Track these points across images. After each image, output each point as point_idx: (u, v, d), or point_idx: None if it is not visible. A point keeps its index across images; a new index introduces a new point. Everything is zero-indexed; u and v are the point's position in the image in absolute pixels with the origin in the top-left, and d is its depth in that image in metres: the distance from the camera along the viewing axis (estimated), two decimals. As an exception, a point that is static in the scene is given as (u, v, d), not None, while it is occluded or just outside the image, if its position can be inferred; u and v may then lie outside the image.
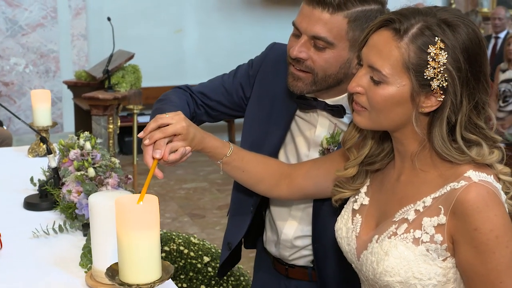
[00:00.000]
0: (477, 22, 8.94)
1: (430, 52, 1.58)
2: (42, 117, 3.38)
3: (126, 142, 8.89)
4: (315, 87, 2.03)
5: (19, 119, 3.06)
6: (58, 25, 8.11)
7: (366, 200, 1.85)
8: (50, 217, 2.46)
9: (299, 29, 1.99)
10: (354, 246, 1.83)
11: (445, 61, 1.57)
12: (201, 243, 2.91)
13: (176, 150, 1.89)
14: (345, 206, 1.92)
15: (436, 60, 1.58)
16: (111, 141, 5.33)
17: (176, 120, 1.87)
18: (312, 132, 2.19)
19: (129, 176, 2.53)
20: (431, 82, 1.59)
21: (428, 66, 1.58)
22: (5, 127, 6.96)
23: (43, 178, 2.74)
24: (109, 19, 5.80)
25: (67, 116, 8.11)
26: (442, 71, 1.58)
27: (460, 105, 1.60)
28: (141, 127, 8.36)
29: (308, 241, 2.25)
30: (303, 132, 2.22)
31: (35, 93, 3.39)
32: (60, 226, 2.30)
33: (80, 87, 5.75)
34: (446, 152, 1.63)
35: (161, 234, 3.08)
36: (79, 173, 2.42)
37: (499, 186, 1.65)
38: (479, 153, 1.63)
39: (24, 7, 7.87)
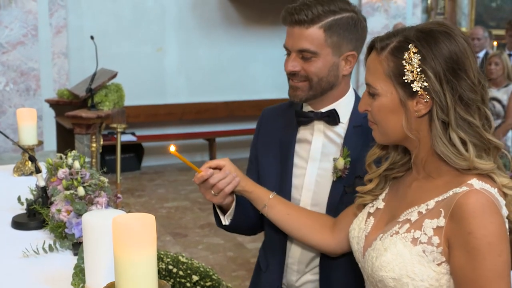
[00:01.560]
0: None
1: (405, 58, 1.73)
2: (28, 135, 3.37)
3: (107, 160, 8.85)
4: (312, 91, 2.28)
5: (8, 137, 3.04)
6: (39, 43, 8.08)
7: (381, 205, 1.96)
8: (39, 237, 2.44)
9: (288, 48, 2.28)
10: (362, 244, 1.92)
11: (418, 62, 1.71)
12: (190, 262, 2.91)
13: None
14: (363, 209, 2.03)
15: (411, 63, 1.72)
16: (94, 160, 5.31)
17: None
18: (307, 148, 2.34)
19: (119, 195, 2.52)
20: (412, 85, 1.73)
21: (406, 71, 1.73)
22: None
23: (31, 197, 2.73)
24: (92, 37, 5.80)
25: (47, 135, 8.05)
26: (419, 72, 1.72)
27: (445, 101, 1.71)
28: (123, 145, 8.32)
29: (314, 264, 2.33)
30: (300, 151, 2.37)
31: (20, 111, 3.38)
32: (50, 245, 2.29)
33: (62, 105, 5.72)
34: (444, 152, 1.73)
35: (149, 253, 3.06)
36: (68, 192, 2.42)
37: (501, 200, 1.72)
38: (477, 154, 1.72)
39: (4, 25, 7.83)
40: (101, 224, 1.80)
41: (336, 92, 2.31)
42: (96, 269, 1.85)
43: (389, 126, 1.82)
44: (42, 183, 2.61)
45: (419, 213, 1.77)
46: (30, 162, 3.39)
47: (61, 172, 2.57)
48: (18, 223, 2.57)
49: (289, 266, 2.38)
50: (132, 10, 9.11)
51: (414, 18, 10.17)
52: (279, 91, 9.02)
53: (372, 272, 1.82)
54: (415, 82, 1.73)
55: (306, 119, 2.34)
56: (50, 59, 8.29)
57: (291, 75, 2.28)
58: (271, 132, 2.46)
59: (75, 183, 2.46)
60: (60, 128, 5.86)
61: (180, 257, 2.89)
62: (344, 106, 2.32)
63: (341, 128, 2.31)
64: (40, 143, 3.46)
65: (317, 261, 2.31)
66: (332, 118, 2.30)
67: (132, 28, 9.11)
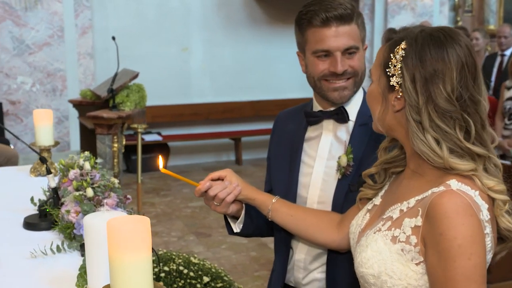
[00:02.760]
0: (485, 41, 8.93)
1: (394, 52, 1.77)
2: (45, 136, 3.39)
3: (132, 160, 8.91)
4: (356, 87, 2.32)
5: (18, 139, 3.07)
6: (65, 44, 8.15)
7: (378, 201, 1.97)
8: (49, 237, 2.46)
9: (330, 49, 2.24)
10: (355, 240, 1.94)
11: (400, 58, 1.75)
12: (201, 263, 2.91)
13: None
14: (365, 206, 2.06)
15: (396, 58, 1.76)
16: (115, 160, 5.34)
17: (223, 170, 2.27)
18: (315, 147, 2.37)
19: (128, 196, 2.53)
20: (390, 78, 1.77)
21: (390, 64, 1.78)
22: (12, 146, 6.98)
23: (44, 198, 2.75)
24: (113, 38, 5.83)
25: (73, 135, 8.14)
26: (398, 68, 1.75)
27: (417, 102, 1.72)
28: (146, 146, 8.46)
29: (321, 261, 2.34)
30: (308, 149, 2.39)
31: (37, 112, 3.40)
32: (58, 246, 2.30)
33: (85, 106, 5.76)
34: (422, 149, 1.74)
35: (160, 254, 3.08)
36: (77, 193, 2.43)
37: (482, 203, 1.70)
38: (457, 154, 1.72)
39: (30, 26, 7.92)
40: (102, 226, 1.81)
41: None
42: (97, 270, 1.85)
43: (373, 113, 1.87)
44: (53, 184, 2.63)
45: (401, 211, 1.77)
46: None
47: (72, 173, 2.58)
48: (29, 224, 2.59)
49: (296, 263, 2.39)
50: (157, 10, 9.16)
51: (441, 16, 10.07)
52: (304, 91, 8.98)
53: (355, 268, 1.85)
54: (394, 77, 1.77)
55: (316, 119, 2.36)
56: (76, 59, 8.35)
57: (339, 76, 2.27)
58: (283, 134, 2.49)
59: (84, 184, 2.47)
60: (83, 129, 5.90)
61: (192, 258, 2.90)
62: (353, 104, 2.33)
63: (348, 127, 2.33)
64: (57, 143, 3.48)
65: (323, 259, 2.32)
66: (341, 116, 2.32)
67: (157, 28, 9.15)
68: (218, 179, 2.24)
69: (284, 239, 2.38)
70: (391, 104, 1.79)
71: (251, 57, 9.68)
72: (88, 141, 5.66)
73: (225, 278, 2.89)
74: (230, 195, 2.21)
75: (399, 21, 9.46)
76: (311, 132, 2.40)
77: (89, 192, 2.41)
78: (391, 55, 1.78)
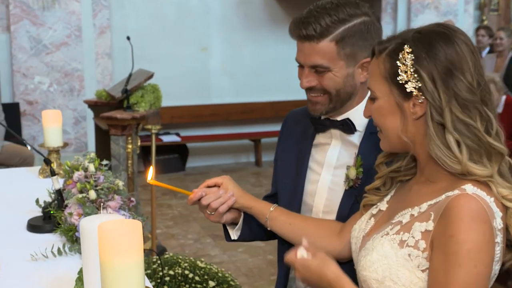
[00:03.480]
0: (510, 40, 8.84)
1: (400, 58, 1.73)
2: (53, 137, 3.42)
3: (151, 161, 8.92)
4: (332, 104, 2.23)
5: (24, 140, 3.08)
6: (83, 43, 8.19)
7: (384, 207, 1.95)
8: (52, 240, 2.47)
9: (300, 62, 2.21)
10: (358, 245, 1.93)
11: (412, 62, 1.71)
12: (208, 267, 2.91)
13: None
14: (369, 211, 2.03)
15: (405, 63, 1.71)
16: (130, 161, 5.35)
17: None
18: (324, 153, 2.32)
19: (132, 198, 2.53)
20: (406, 86, 1.72)
21: (400, 71, 1.73)
22: (28, 147, 7.04)
23: (49, 199, 2.77)
24: (128, 38, 5.85)
25: (91, 135, 8.17)
26: (412, 73, 1.71)
27: (440, 102, 1.69)
28: (164, 146, 8.46)
29: None
30: (315, 155, 2.35)
31: (46, 113, 3.43)
32: (59, 249, 2.32)
33: (100, 106, 5.77)
34: (438, 155, 1.71)
35: (166, 258, 3.09)
36: (80, 196, 2.44)
37: (496, 210, 1.67)
38: (474, 160, 1.70)
39: (48, 26, 7.97)
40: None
41: (354, 100, 2.27)
42: (94, 274, 1.86)
43: (388, 129, 1.81)
44: (57, 186, 2.65)
45: (411, 215, 1.75)
46: (55, 164, 3.44)
47: (77, 175, 2.59)
48: (33, 226, 2.62)
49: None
50: (176, 9, 9.18)
51: (466, 15, 10.01)
52: (325, 91, 8.98)
53: (358, 272, 1.82)
54: (409, 83, 1.72)
55: (322, 127, 2.32)
56: (93, 59, 8.39)
57: (308, 90, 2.24)
58: (291, 135, 2.46)
59: (88, 186, 2.48)
60: (98, 129, 5.93)
61: (199, 262, 2.90)
62: (361, 113, 2.27)
63: (358, 136, 2.27)
64: (66, 145, 3.50)
65: None
66: (347, 127, 2.26)
67: (176, 28, 9.17)
68: (215, 186, 2.22)
69: (285, 243, 2.34)
70: (409, 112, 1.75)
71: (271, 57, 9.66)
72: (103, 142, 5.68)
73: (232, 283, 2.89)
74: (224, 205, 2.19)
75: (423, 20, 9.40)
76: (320, 138, 2.35)
77: (92, 194, 2.42)
78: (397, 63, 1.74)
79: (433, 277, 1.65)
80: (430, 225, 1.68)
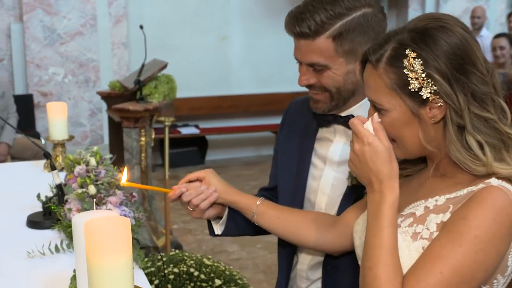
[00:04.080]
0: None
1: (406, 65, 1.66)
2: (59, 130, 3.42)
3: (169, 154, 8.90)
4: (334, 102, 2.18)
5: (23, 134, 3.08)
6: (98, 33, 8.21)
7: None
8: (51, 236, 2.48)
9: (297, 60, 2.17)
10: (363, 239, 1.84)
11: (421, 67, 1.64)
12: (215, 264, 2.89)
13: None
14: None
15: (413, 69, 1.65)
16: (143, 155, 5.35)
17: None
18: (327, 148, 2.28)
19: (134, 193, 2.52)
20: (420, 93, 1.65)
21: (410, 79, 1.65)
22: (42, 140, 7.07)
23: (51, 195, 2.76)
24: (141, 27, 5.83)
25: (107, 128, 8.21)
26: (424, 78, 1.64)
27: (458, 102, 1.64)
28: (183, 139, 8.44)
29: (320, 272, 2.28)
30: (318, 150, 2.32)
31: (51, 105, 3.43)
32: (56, 246, 2.31)
33: (114, 98, 5.76)
34: (460, 159, 1.66)
35: (172, 255, 3.08)
36: (80, 191, 2.43)
37: None
38: (497, 157, 1.65)
39: (62, 15, 7.99)
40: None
41: (358, 96, 2.20)
42: (85, 273, 1.85)
43: (407, 140, 1.74)
44: (57, 181, 2.64)
45: (426, 208, 1.71)
46: (60, 158, 3.44)
47: (78, 169, 2.58)
48: (33, 222, 2.62)
49: (298, 272, 2.34)
50: (195, -3, 9.16)
51: (498, 0, 9.89)
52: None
53: None
54: (423, 89, 1.65)
55: (325, 122, 2.27)
56: (109, 49, 8.41)
57: (307, 87, 2.20)
58: (294, 127, 2.41)
59: (88, 181, 2.47)
60: (111, 122, 5.93)
61: (205, 260, 2.89)
62: (365, 110, 2.23)
63: None
64: (71, 137, 3.50)
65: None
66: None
67: (194, 16, 9.15)
68: (197, 180, 2.19)
69: (287, 245, 2.32)
70: (427, 118, 1.69)
71: (293, 47, 9.59)
72: (116, 135, 5.68)
73: (239, 281, 2.86)
74: (205, 202, 2.15)
75: (452, 7, 9.33)
76: (324, 131, 2.31)
77: (91, 189, 2.41)
78: (404, 71, 1.66)
79: (427, 249, 1.61)
80: (446, 217, 1.63)
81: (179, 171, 8.71)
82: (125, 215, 2.38)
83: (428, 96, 1.65)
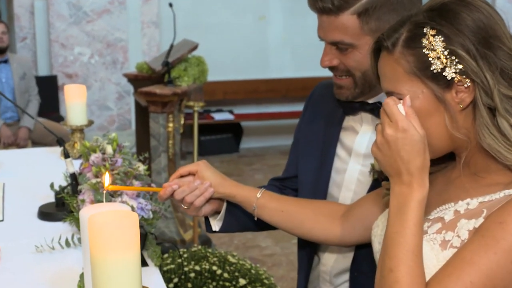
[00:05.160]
0: None
1: (425, 45, 1.59)
2: (77, 115, 3.41)
3: (202, 141, 8.93)
4: (358, 89, 2.12)
5: (33, 119, 3.07)
6: (127, 11, 8.22)
7: None
8: (63, 229, 2.48)
9: (320, 38, 2.13)
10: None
11: (443, 44, 1.57)
12: (240, 262, 2.85)
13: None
14: None
15: (434, 48, 1.58)
16: (171, 142, 5.33)
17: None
18: (353, 139, 2.22)
19: (153, 184, 2.49)
20: (444, 74, 1.58)
21: (431, 59, 1.58)
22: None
23: (65, 184, 2.76)
24: (170, 5, 5.81)
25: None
26: (447, 56, 1.57)
27: (487, 81, 1.56)
28: (216, 125, 8.43)
29: (346, 277, 2.23)
30: (344, 140, 2.26)
31: (68, 88, 3.42)
32: (66, 240, 2.30)
33: (141, 80, 5.76)
34: (492, 146, 1.57)
35: (194, 251, 3.05)
36: (94, 181, 2.41)
37: None
38: None
39: (89, -9, 8.03)
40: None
41: None
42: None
43: (433, 133, 1.64)
44: (71, 169, 2.63)
45: (456, 212, 1.62)
46: (78, 145, 3.43)
47: (94, 157, 2.56)
48: (44, 213, 2.62)
49: (321, 274, 2.30)
50: (232, -27, 9.13)
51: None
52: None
53: None
54: (447, 69, 1.57)
55: (351, 110, 2.21)
56: (139, 29, 8.42)
57: (331, 70, 2.14)
58: (318, 113, 2.35)
59: (103, 170, 2.45)
60: (138, 106, 5.93)
61: (230, 257, 2.85)
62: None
63: None
64: (91, 123, 3.49)
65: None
66: (378, 111, 2.10)
67: (231, -6, 9.12)
68: (189, 174, 2.14)
69: (306, 245, 2.28)
70: (454, 103, 1.60)
71: (336, 28, 9.53)
72: (143, 121, 5.69)
73: (266, 281, 2.82)
74: (200, 198, 2.09)
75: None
76: (350, 120, 2.25)
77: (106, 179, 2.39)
78: (424, 51, 1.58)
79: (456, 254, 1.54)
80: (479, 222, 1.55)
81: (211, 159, 8.69)
82: (141, 208, 2.36)
83: (453, 76, 1.57)
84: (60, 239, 2.30)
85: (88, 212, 1.83)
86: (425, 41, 1.59)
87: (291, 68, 9.52)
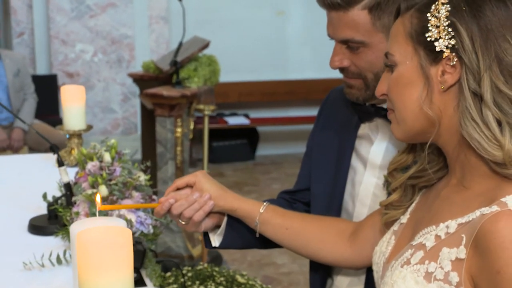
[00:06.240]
0: None
1: (432, 10, 1.62)
2: (74, 119, 3.39)
3: (215, 148, 8.93)
4: (370, 91, 2.12)
5: (23, 122, 3.05)
6: (133, 5, 8.23)
7: (405, 218, 1.83)
8: (55, 245, 2.46)
9: (329, 36, 2.15)
10: (380, 274, 1.82)
11: (447, 13, 1.59)
12: (249, 282, 2.83)
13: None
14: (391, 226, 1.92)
15: (437, 16, 1.61)
16: (179, 148, 5.32)
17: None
18: (368, 148, 2.22)
19: (154, 196, 2.48)
20: (435, 44, 1.60)
21: (430, 26, 1.61)
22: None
23: (59, 194, 2.75)
24: (180, -1, 5.81)
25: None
26: (446, 26, 1.59)
27: (477, 63, 1.56)
28: (230, 130, 8.44)
29: None
30: (359, 149, 2.26)
31: (65, 89, 3.41)
32: (58, 256, 2.28)
33: (147, 81, 5.76)
34: (473, 135, 1.57)
35: (200, 269, 3.03)
36: (90, 191, 2.40)
37: None
38: None
39: (92, -17, 8.05)
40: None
41: None
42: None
43: (406, 104, 1.68)
44: (65, 179, 2.62)
45: (437, 237, 1.61)
46: (76, 151, 3.42)
47: (90, 166, 2.56)
48: (35, 227, 2.61)
49: None
50: (247, -35, 9.13)
51: None
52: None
53: None
54: (440, 40, 1.60)
55: (367, 115, 2.21)
56: (146, 24, 8.43)
57: (341, 71, 2.16)
58: (332, 120, 2.35)
59: (99, 180, 2.44)
60: (144, 109, 5.93)
61: (239, 276, 2.83)
62: None
63: None
64: (89, 127, 3.48)
65: None
66: None
67: (247, -14, 9.12)
68: (187, 186, 2.13)
69: (319, 267, 2.27)
70: (436, 81, 1.62)
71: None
72: (149, 124, 5.68)
73: (277, 303, 2.79)
74: (199, 213, 2.08)
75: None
76: (365, 127, 2.25)
77: (103, 190, 2.38)
78: (428, 15, 1.61)
79: None
80: (461, 252, 1.53)
81: (224, 167, 8.71)
82: (141, 222, 2.35)
83: (443, 49, 1.60)
84: (50, 255, 2.29)
85: (79, 227, 1.81)
86: (433, 7, 1.62)
87: (312, 68, 9.49)
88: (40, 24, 8.14)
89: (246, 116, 9.27)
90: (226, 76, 6.27)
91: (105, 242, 1.49)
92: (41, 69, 8.14)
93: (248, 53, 9.10)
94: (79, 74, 8.17)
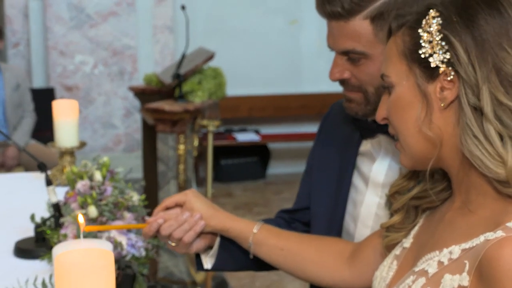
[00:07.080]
0: None
1: (423, 25, 1.64)
2: (66, 135, 3.42)
3: (223, 166, 8.94)
4: (370, 106, 2.14)
5: (10, 139, 3.08)
6: (136, 14, 8.26)
7: (409, 242, 1.84)
8: (42, 269, 2.48)
9: (329, 47, 2.19)
10: None
11: (438, 27, 1.61)
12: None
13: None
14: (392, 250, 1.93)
15: (429, 30, 1.63)
16: (181, 166, 5.34)
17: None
18: (370, 166, 2.23)
19: (146, 217, 2.50)
20: (430, 60, 1.62)
21: (422, 42, 1.64)
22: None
23: (48, 215, 2.77)
24: (183, 7, 5.83)
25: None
26: (439, 41, 1.61)
27: (475, 76, 1.57)
28: (240, 147, 8.47)
29: None
30: (361, 167, 2.27)
31: (58, 104, 3.45)
32: (43, 281, 2.30)
33: (149, 95, 5.80)
34: (474, 153, 1.58)
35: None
36: (79, 212, 2.42)
37: None
38: None
39: (93, -9, 8.10)
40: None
41: None
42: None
43: (407, 128, 1.70)
44: (54, 199, 2.64)
45: (439, 263, 1.62)
46: (68, 169, 3.45)
47: (80, 185, 2.58)
48: (21, 250, 2.63)
49: None
50: (259, -29, 9.16)
51: None
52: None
53: None
54: (435, 55, 1.62)
55: (369, 132, 2.23)
56: (150, 34, 8.46)
57: (341, 83, 2.19)
58: (333, 136, 2.38)
59: (89, 200, 2.46)
60: (145, 125, 5.96)
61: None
62: None
63: None
64: (83, 144, 3.50)
65: None
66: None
67: (258, -5, 9.15)
68: (177, 205, 2.15)
69: None
70: (435, 99, 1.64)
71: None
72: (150, 141, 5.71)
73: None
74: (189, 233, 2.10)
75: None
76: (367, 144, 2.26)
77: (92, 211, 2.40)
78: (419, 31, 1.64)
79: None
80: (464, 279, 1.55)
81: (233, 187, 8.71)
82: (132, 245, 2.37)
83: (438, 64, 1.61)
84: (35, 280, 2.31)
85: (61, 250, 1.83)
86: (424, 22, 1.64)
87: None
88: (37, 34, 8.17)
89: (257, 132, 9.28)
90: (235, 89, 6.29)
91: (85, 265, 1.50)
92: (38, 82, 8.18)
93: (259, 65, 9.11)
94: (79, 87, 8.20)
